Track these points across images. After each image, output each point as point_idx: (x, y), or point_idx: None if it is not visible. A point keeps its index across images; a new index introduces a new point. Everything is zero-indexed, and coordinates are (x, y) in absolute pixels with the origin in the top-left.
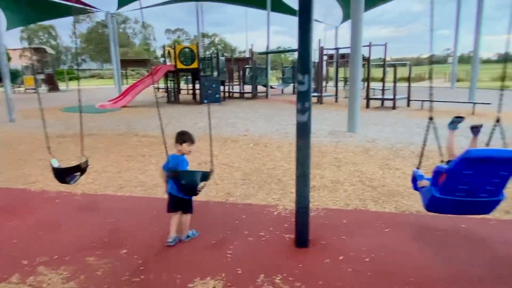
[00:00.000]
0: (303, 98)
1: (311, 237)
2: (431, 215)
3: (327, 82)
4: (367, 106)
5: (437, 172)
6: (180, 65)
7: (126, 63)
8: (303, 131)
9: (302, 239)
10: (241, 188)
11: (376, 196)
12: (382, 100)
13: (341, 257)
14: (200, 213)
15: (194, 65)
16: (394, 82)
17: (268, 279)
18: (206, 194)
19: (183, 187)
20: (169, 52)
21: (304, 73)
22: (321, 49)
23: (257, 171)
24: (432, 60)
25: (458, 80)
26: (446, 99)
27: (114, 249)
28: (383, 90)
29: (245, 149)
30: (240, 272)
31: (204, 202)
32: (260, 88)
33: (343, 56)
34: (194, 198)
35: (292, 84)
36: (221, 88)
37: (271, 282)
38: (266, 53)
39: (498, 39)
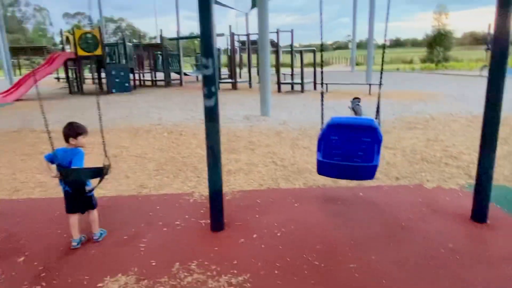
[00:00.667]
0: (208, 83)
1: (227, 220)
2: (334, 187)
3: (241, 69)
4: (279, 90)
5: (320, 139)
6: (81, 52)
7: (18, 51)
8: (211, 116)
9: (217, 223)
10: (155, 179)
11: (287, 174)
12: (292, 84)
13: (254, 235)
14: (109, 209)
15: (98, 52)
16: (301, 67)
17: (183, 266)
18: (115, 189)
19: (72, 185)
20: (67, 38)
21: (208, 56)
22: (232, 35)
23: (172, 160)
24: (323, 48)
25: (357, 64)
26: (347, 81)
27: (8, 258)
28: (292, 75)
29: (159, 139)
30: (154, 264)
31: (114, 198)
32: (174, 75)
33: (255, 42)
34: (99, 193)
35: None
36: (131, 76)
37: (187, 269)
38: (177, 38)
39: (392, 26)
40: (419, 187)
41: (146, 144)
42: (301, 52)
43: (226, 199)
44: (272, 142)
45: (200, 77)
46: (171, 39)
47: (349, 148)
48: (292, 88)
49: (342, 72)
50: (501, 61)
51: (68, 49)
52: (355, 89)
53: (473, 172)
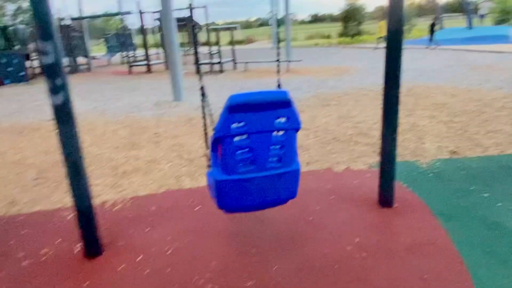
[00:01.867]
0: (51, 74)
1: (108, 240)
2: None
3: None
4: (197, 72)
5: (215, 141)
6: None
7: None
8: (62, 117)
9: (91, 248)
10: (32, 191)
11: (192, 170)
12: (210, 64)
13: (139, 258)
14: None
15: None
16: (218, 46)
17: None
18: None
19: None
20: None
21: (46, 39)
22: (140, 13)
23: (57, 165)
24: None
25: (280, 41)
26: (267, 59)
27: None
28: (210, 54)
29: (46, 138)
30: None
31: None
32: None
33: (181, 20)
34: None
35: (119, 53)
36: (28, 64)
37: None
38: (79, 18)
39: (312, 1)
40: (328, 172)
41: (29, 146)
42: (216, 30)
43: (114, 210)
44: (181, 132)
45: (112, 59)
46: (74, 19)
47: (259, 142)
48: (211, 69)
49: (264, 50)
50: (396, 34)
51: None
52: (269, 67)
53: None
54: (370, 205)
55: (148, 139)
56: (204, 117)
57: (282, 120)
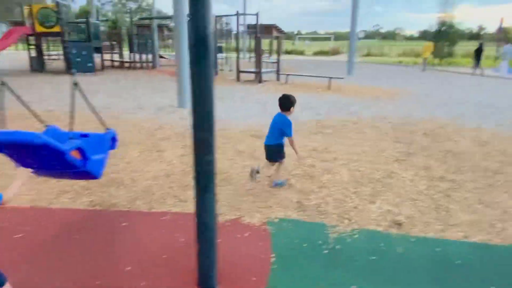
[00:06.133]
0: None
1: None
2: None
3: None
4: (238, 79)
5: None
6: (39, 28)
7: None
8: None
9: None
10: None
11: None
12: (256, 73)
13: None
14: None
15: (56, 28)
16: (257, 53)
17: None
18: None
19: None
20: (31, 12)
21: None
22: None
23: None
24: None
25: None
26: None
27: None
28: (258, 63)
29: None
30: None
31: None
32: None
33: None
34: None
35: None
36: (98, 56)
37: None
38: (148, 18)
39: (424, 18)
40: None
41: None
42: (278, 38)
43: None
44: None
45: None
46: (141, 19)
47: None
48: (258, 77)
49: (340, 62)
50: (200, 55)
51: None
52: (316, 81)
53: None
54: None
55: None
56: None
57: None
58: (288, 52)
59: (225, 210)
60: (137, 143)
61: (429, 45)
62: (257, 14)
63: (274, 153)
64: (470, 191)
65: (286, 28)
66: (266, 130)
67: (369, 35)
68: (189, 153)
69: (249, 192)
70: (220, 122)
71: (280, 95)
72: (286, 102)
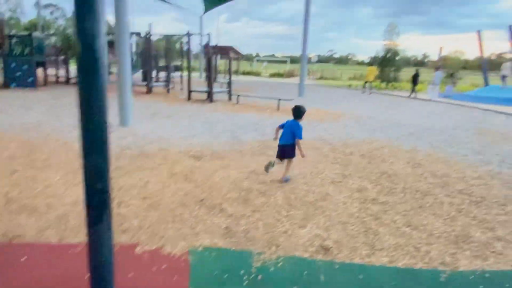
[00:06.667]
0: None
1: None
2: None
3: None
4: (188, 98)
5: None
6: None
7: None
8: None
9: None
10: None
11: None
12: (208, 93)
13: None
14: None
15: None
16: (211, 71)
17: None
18: None
19: None
20: None
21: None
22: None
23: None
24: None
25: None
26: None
27: None
28: (209, 82)
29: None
30: None
31: None
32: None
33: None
34: None
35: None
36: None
37: None
38: None
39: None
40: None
41: None
42: (230, 59)
43: None
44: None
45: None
46: None
47: None
48: (210, 97)
49: (291, 84)
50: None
51: None
52: (267, 102)
53: None
54: None
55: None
56: None
57: None
58: (246, 73)
59: (145, 239)
60: (62, 165)
61: (372, 69)
62: (208, 34)
63: (288, 151)
64: (400, 213)
65: (246, 50)
66: (207, 150)
67: (324, 59)
68: (121, 176)
69: (176, 219)
70: (161, 142)
71: (231, 114)
72: (298, 112)
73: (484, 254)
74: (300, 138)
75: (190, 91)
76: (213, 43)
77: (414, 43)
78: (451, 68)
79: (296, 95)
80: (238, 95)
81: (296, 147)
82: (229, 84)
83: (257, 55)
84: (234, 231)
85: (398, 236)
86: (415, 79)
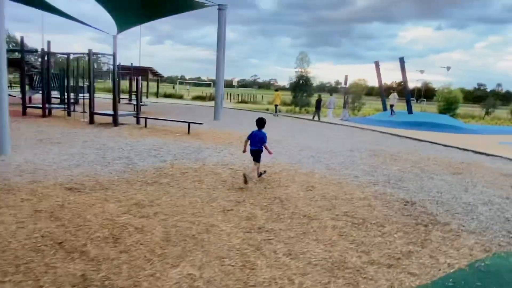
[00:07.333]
0: None
1: None
2: None
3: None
4: (91, 121)
5: None
6: None
7: None
8: None
9: None
10: None
11: None
12: (113, 116)
13: None
14: None
15: None
16: (137, 95)
17: None
18: None
19: None
20: None
21: None
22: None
23: None
24: None
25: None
26: (197, 117)
27: None
28: (114, 104)
29: None
30: None
31: None
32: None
33: (126, 68)
34: None
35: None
36: None
37: None
38: None
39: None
40: None
41: None
42: (130, 79)
43: None
44: None
45: (33, 97)
46: None
47: None
48: (115, 121)
49: (207, 108)
50: None
51: None
52: (179, 126)
53: None
54: None
55: None
56: None
57: None
58: (168, 96)
59: None
60: None
61: (278, 93)
62: (113, 55)
63: (258, 155)
64: (283, 241)
65: (169, 73)
66: (90, 181)
67: (248, 84)
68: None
69: (19, 269)
70: (36, 173)
71: (135, 139)
72: (261, 123)
73: (356, 280)
74: (266, 142)
75: (92, 114)
76: (128, 63)
77: (327, 72)
78: (355, 94)
79: (212, 118)
80: (146, 118)
81: (264, 150)
82: (137, 106)
83: (183, 78)
84: (90, 279)
85: (276, 268)
86: (318, 104)
